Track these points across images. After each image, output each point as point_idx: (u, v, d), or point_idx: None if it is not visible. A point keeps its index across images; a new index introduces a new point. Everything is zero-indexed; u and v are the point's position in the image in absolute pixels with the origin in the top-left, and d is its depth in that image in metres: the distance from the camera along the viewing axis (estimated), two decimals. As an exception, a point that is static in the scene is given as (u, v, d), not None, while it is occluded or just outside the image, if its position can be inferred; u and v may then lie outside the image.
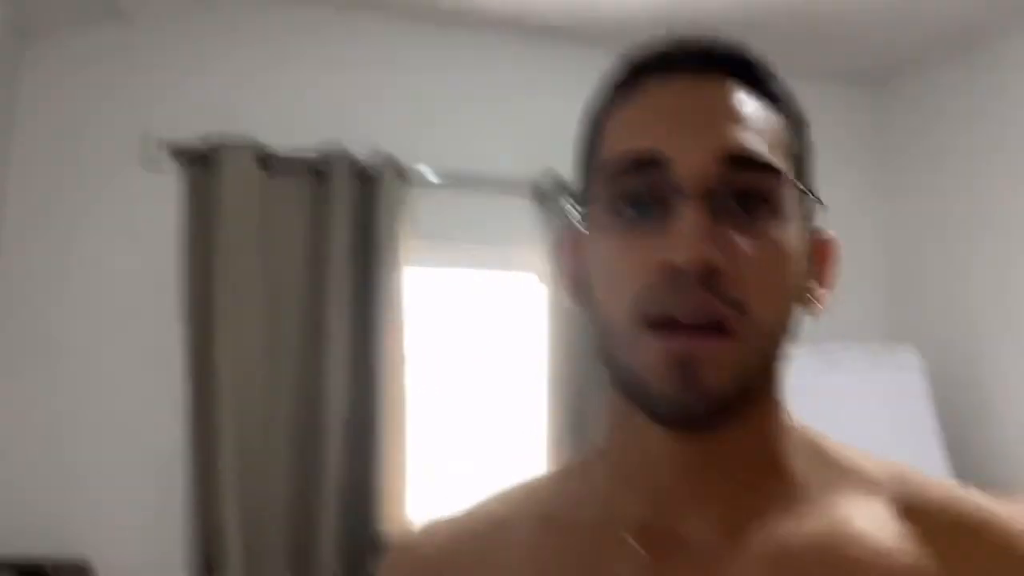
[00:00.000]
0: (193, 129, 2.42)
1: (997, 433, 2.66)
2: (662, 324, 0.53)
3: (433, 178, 2.65)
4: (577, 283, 0.63)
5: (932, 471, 1.92)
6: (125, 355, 2.36)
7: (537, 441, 2.65)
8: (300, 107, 2.60)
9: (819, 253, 0.61)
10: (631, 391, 0.56)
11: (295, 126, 2.54)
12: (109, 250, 2.38)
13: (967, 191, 2.79)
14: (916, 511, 0.57)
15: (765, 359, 0.57)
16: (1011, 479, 2.55)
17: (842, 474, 0.60)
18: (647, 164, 0.55)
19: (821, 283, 0.61)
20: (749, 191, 0.55)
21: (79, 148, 2.39)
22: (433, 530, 0.67)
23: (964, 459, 2.60)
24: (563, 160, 2.72)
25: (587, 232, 0.60)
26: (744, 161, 0.55)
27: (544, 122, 2.79)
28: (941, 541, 0.55)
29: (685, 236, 0.52)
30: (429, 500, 2.54)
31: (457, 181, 2.68)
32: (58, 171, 2.38)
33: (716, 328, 0.53)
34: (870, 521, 0.56)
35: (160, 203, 2.39)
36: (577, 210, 0.62)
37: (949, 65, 2.86)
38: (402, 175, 2.58)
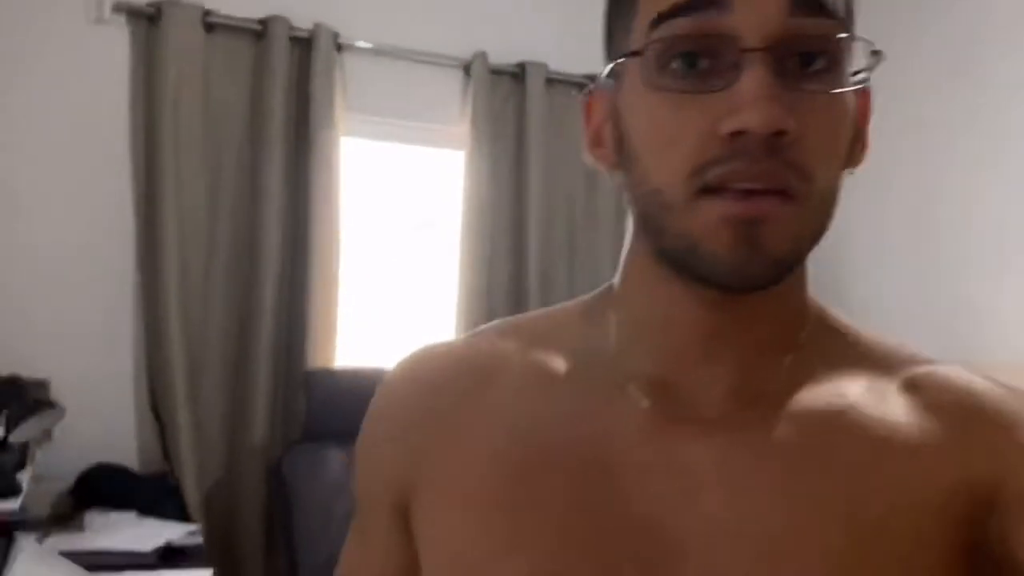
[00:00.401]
0: (140, -13, 2.52)
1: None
2: (724, 189, 0.49)
3: (368, 50, 2.82)
4: (607, 145, 0.58)
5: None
6: (77, 194, 2.52)
7: (449, 299, 2.94)
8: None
9: (859, 107, 0.57)
10: (686, 258, 0.52)
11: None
12: (60, 97, 2.50)
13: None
14: (922, 386, 0.57)
15: (822, 226, 0.53)
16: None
17: (853, 350, 0.59)
18: (704, 9, 0.49)
19: (859, 138, 0.57)
20: (814, 46, 0.50)
21: (29, 1, 2.48)
22: (433, 354, 0.65)
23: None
24: (494, 43, 2.91)
25: (625, 90, 0.54)
26: (813, 7, 0.50)
27: (478, 5, 2.98)
28: (943, 414, 0.55)
29: (755, 98, 0.48)
30: (354, 346, 2.83)
31: (391, 54, 2.85)
32: (9, 23, 2.46)
33: (780, 193, 0.49)
34: (877, 397, 0.56)
35: (109, 57, 2.51)
36: (611, 65, 0.56)
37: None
38: (339, 45, 2.74)
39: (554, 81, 3.06)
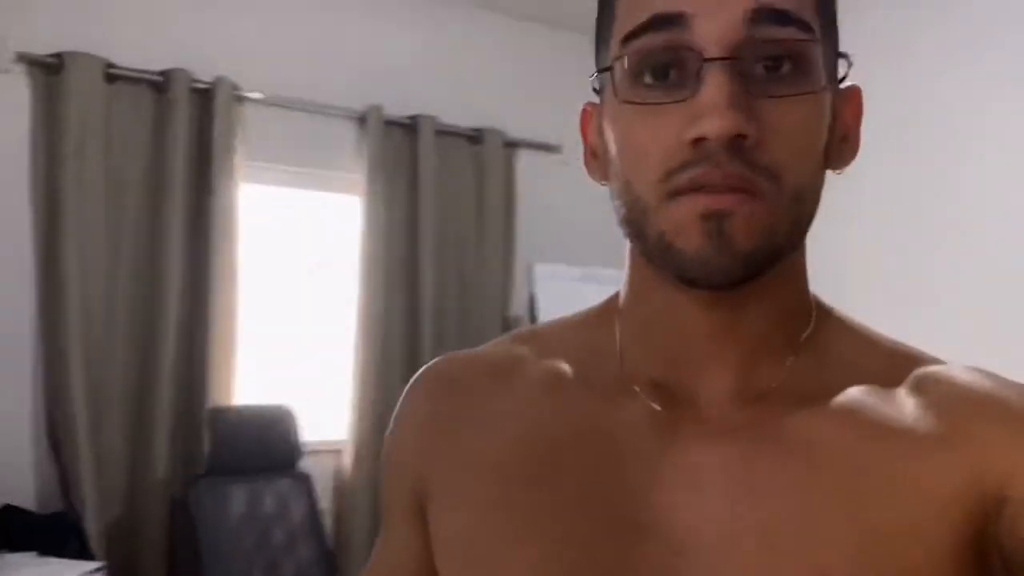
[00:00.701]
0: (45, 39, 2.61)
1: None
2: (693, 190, 0.51)
3: (268, 101, 2.97)
4: (598, 157, 0.60)
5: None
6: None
7: (347, 336, 3.09)
8: (147, 27, 2.83)
9: (844, 108, 0.58)
10: (662, 257, 0.54)
11: (141, 45, 2.78)
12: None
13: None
14: (929, 385, 0.56)
15: (796, 224, 0.54)
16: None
17: (859, 350, 0.59)
18: (668, 24, 0.52)
19: (846, 139, 0.59)
20: (778, 51, 0.52)
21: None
22: (450, 360, 0.67)
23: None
24: (388, 97, 3.11)
25: (606, 105, 0.57)
26: (773, 17, 0.51)
27: (374, 61, 3.18)
28: (951, 412, 0.54)
29: (713, 106, 0.50)
30: (254, 383, 2.93)
31: (290, 106, 3.02)
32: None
33: (748, 192, 0.51)
34: (883, 397, 0.56)
35: (10, 106, 2.58)
36: (597, 81, 0.59)
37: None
38: (238, 97, 2.89)
39: (443, 133, 3.29)
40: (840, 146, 0.58)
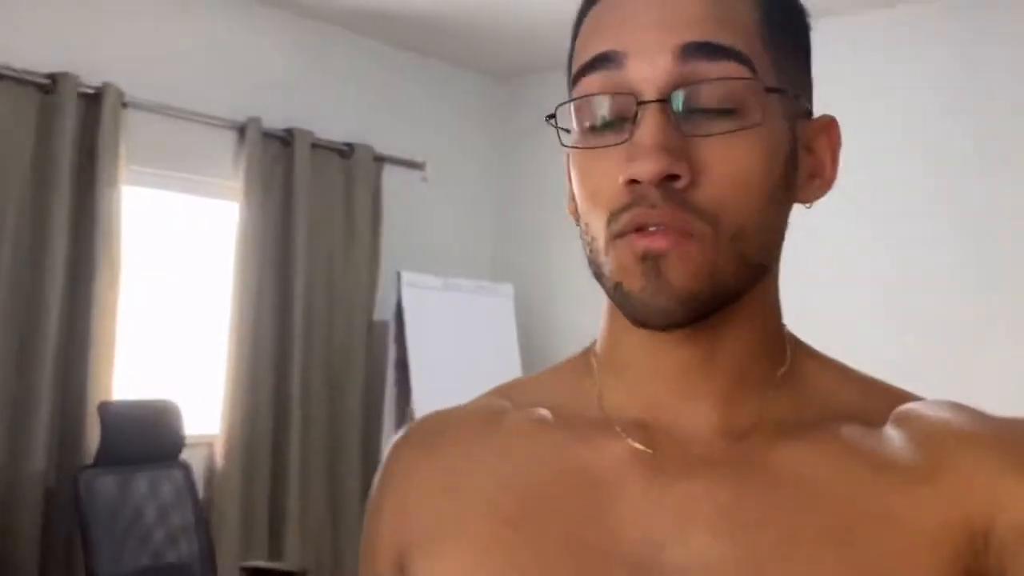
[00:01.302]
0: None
1: (563, 345, 3.84)
2: (631, 231, 0.52)
3: (152, 108, 3.09)
4: (574, 200, 0.60)
5: (512, 374, 2.91)
6: None
7: (222, 333, 3.27)
8: (33, 31, 2.88)
9: (815, 139, 0.58)
10: (614, 298, 0.55)
11: (29, 47, 2.84)
12: None
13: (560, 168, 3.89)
14: (912, 420, 0.56)
15: (743, 261, 0.53)
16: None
17: (837, 385, 0.59)
18: (605, 63, 0.53)
19: (816, 172, 0.58)
20: (712, 88, 0.51)
21: None
22: (437, 413, 0.67)
23: (537, 363, 3.73)
24: (266, 109, 3.31)
25: (569, 148, 0.58)
26: (705, 51, 0.51)
27: (255, 76, 3.37)
28: (935, 447, 0.54)
29: (643, 148, 0.50)
30: (135, 379, 3.06)
31: (173, 114, 3.15)
32: None
33: (681, 232, 0.51)
34: (866, 432, 0.56)
35: None
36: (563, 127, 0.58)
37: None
38: (124, 103, 2.99)
39: (317, 146, 3.53)
40: (808, 180, 0.58)
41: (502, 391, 0.67)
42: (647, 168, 0.50)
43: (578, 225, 0.59)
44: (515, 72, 4.04)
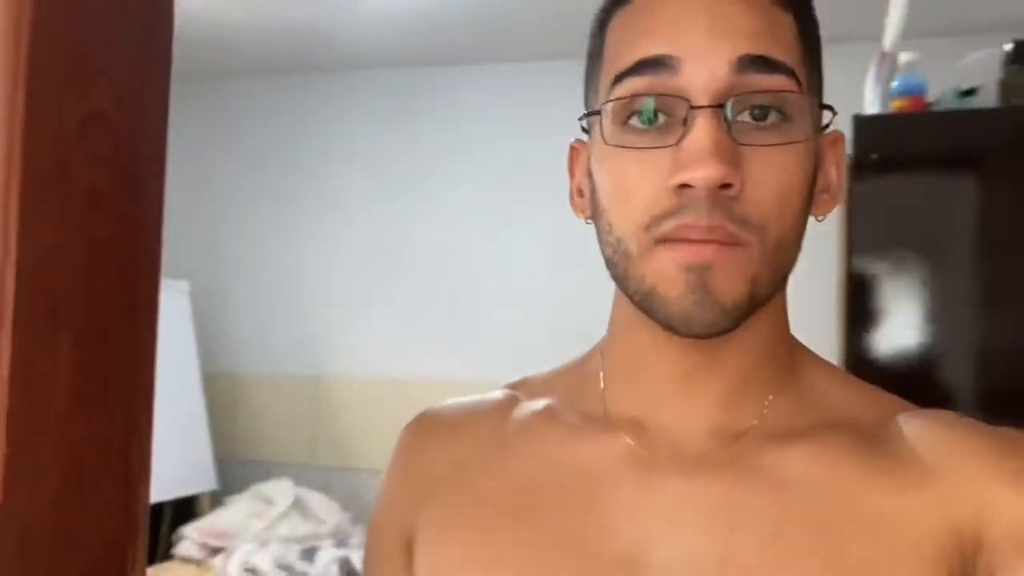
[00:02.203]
0: None
1: (242, 342, 3.89)
2: (676, 240, 0.51)
3: None
4: (584, 196, 0.60)
5: (190, 371, 2.90)
6: None
7: None
8: None
9: (827, 154, 0.59)
10: (644, 303, 0.54)
11: None
12: None
13: (245, 178, 3.96)
14: (907, 430, 0.56)
15: (779, 272, 0.54)
16: (242, 374, 3.78)
17: (837, 393, 0.60)
18: (655, 67, 0.52)
19: (826, 186, 0.59)
20: (764, 100, 0.52)
21: None
22: (448, 403, 0.70)
23: (217, 360, 3.76)
24: None
25: (594, 146, 0.57)
26: (760, 64, 0.51)
27: None
28: (928, 456, 0.54)
29: (699, 153, 0.50)
30: None
31: None
32: None
33: (730, 243, 0.51)
34: (861, 440, 0.56)
35: None
36: (585, 121, 0.59)
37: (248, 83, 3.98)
38: None
39: None
40: (821, 194, 0.59)
41: (515, 385, 0.69)
42: (705, 174, 0.50)
43: (587, 221, 0.60)
44: (194, 75, 4.06)
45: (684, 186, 0.51)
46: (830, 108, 0.56)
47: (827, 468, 0.55)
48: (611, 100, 0.55)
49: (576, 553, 0.55)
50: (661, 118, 0.53)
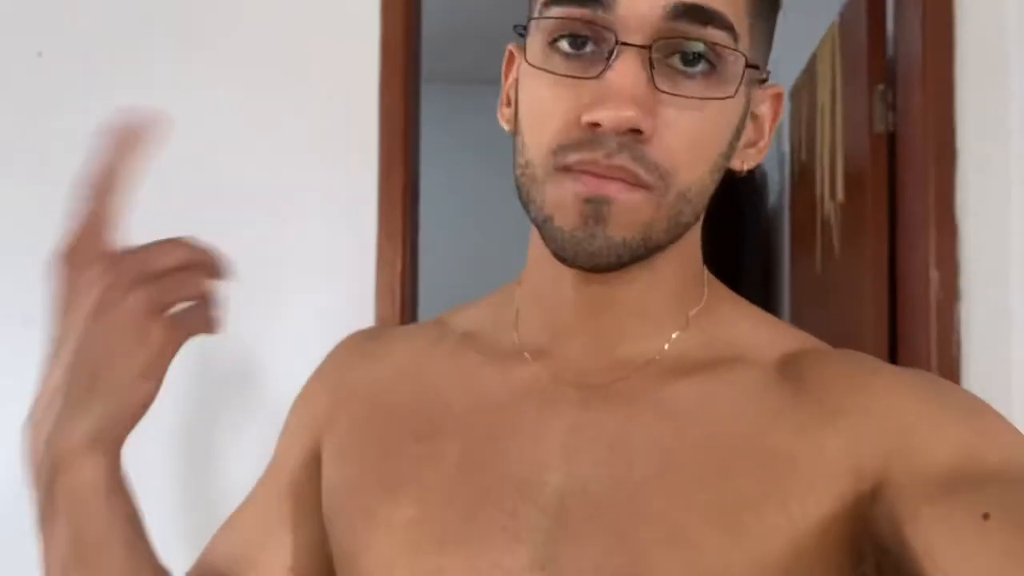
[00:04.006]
0: None
1: None
2: (579, 170, 0.51)
3: None
4: (510, 106, 0.60)
5: None
6: None
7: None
8: None
9: (762, 107, 0.58)
10: (542, 230, 0.54)
11: None
12: None
13: None
14: (810, 368, 0.56)
15: (676, 220, 0.53)
16: None
17: (745, 330, 0.60)
18: (589, 2, 0.50)
19: (754, 140, 0.59)
20: (693, 50, 0.51)
21: None
22: (379, 327, 0.73)
23: None
24: None
25: (523, 61, 0.55)
26: (695, 14, 0.50)
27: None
28: (829, 394, 0.54)
29: (614, 93, 0.49)
30: None
31: None
32: None
33: (632, 183, 0.50)
34: (764, 377, 0.56)
35: None
36: (521, 35, 0.56)
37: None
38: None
39: None
40: (747, 148, 0.58)
41: (444, 316, 0.70)
42: (615, 116, 0.49)
43: (511, 135, 0.58)
44: None
45: (595, 124, 0.50)
46: (755, 67, 0.54)
47: (726, 402, 0.55)
48: (540, 18, 0.53)
49: (476, 475, 0.56)
50: (589, 47, 0.52)
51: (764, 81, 0.57)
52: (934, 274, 1.41)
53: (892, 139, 1.57)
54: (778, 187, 2.52)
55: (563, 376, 0.59)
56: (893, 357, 1.54)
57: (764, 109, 0.59)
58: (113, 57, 1.50)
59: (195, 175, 1.40)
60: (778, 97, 0.60)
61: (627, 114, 0.49)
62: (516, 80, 0.59)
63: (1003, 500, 0.45)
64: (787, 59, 2.33)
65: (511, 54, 0.62)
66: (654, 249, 0.54)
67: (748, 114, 0.57)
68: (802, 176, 2.16)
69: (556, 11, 0.52)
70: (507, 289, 0.68)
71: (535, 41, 0.54)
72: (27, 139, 1.49)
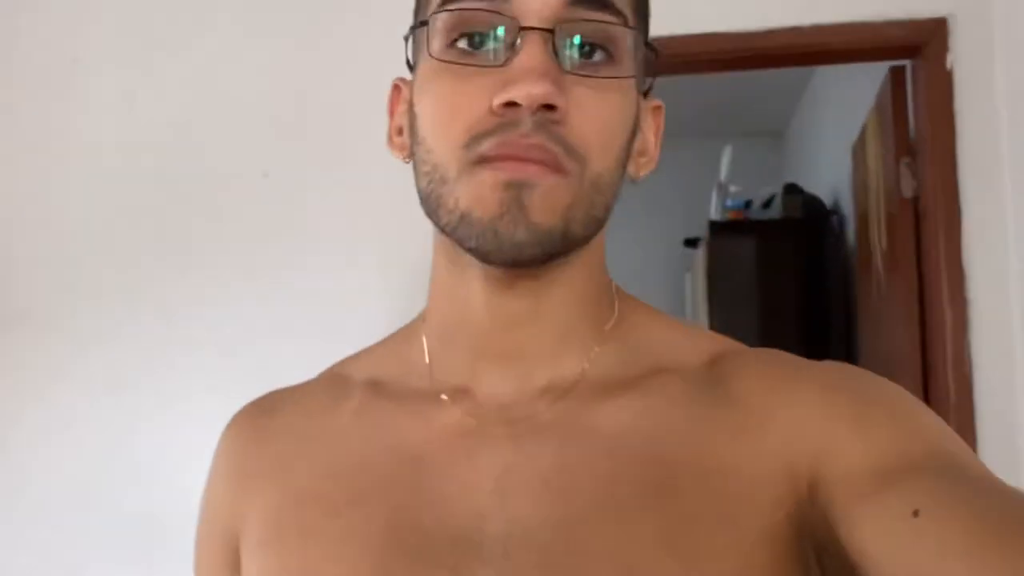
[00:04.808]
0: None
1: None
2: (497, 158, 0.50)
3: None
4: (402, 134, 0.59)
5: None
6: None
7: None
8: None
9: (646, 120, 0.60)
10: (458, 231, 0.52)
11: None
12: None
13: None
14: (734, 371, 0.55)
15: (591, 212, 0.53)
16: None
17: (662, 339, 0.59)
18: None
19: (643, 149, 0.60)
20: (591, 34, 0.52)
21: None
22: (270, 394, 0.66)
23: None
24: None
25: (418, 72, 0.55)
26: (591, 2, 0.52)
27: None
28: (756, 397, 0.53)
29: (526, 71, 0.49)
30: None
31: None
32: None
33: (551, 166, 0.50)
34: (689, 386, 0.55)
35: None
36: (411, 48, 0.57)
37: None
38: None
39: None
40: (640, 156, 0.59)
41: (342, 364, 0.66)
42: (530, 91, 0.49)
43: (406, 160, 0.58)
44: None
45: (509, 105, 0.50)
46: (653, 48, 0.56)
47: (656, 419, 0.54)
48: (439, 11, 0.53)
49: (410, 538, 0.53)
50: (490, 42, 0.52)
51: (647, 94, 0.59)
52: (947, 310, 1.80)
53: (916, 202, 1.96)
54: (852, 230, 2.91)
55: (487, 414, 0.56)
56: (925, 373, 1.93)
57: (648, 119, 0.60)
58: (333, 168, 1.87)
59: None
60: (658, 109, 0.61)
61: (541, 88, 0.49)
62: (408, 104, 0.59)
63: (932, 494, 0.44)
64: (851, 119, 2.73)
65: (396, 87, 0.62)
66: (571, 244, 0.53)
67: (638, 120, 0.58)
68: (862, 223, 2.54)
69: (454, 13, 0.53)
70: (408, 329, 0.65)
71: (434, 44, 0.54)
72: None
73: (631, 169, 0.58)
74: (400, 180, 0.71)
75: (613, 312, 0.61)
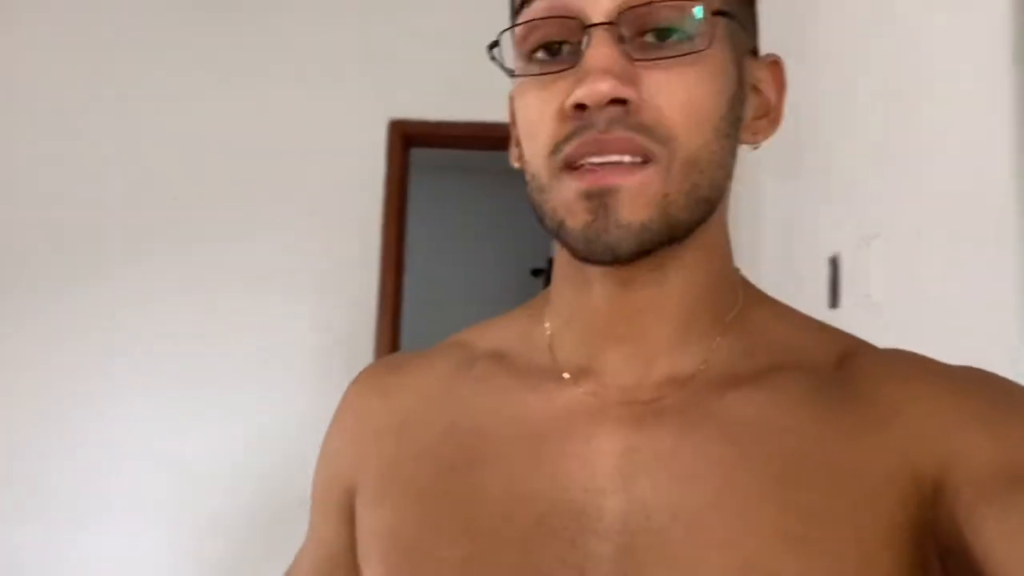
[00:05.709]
0: None
1: None
2: (579, 166, 0.51)
3: None
4: (518, 144, 0.59)
5: None
6: None
7: None
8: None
9: (762, 78, 0.58)
10: (559, 237, 0.53)
11: None
12: None
13: None
14: (862, 369, 0.55)
15: (694, 194, 0.52)
16: None
17: (788, 332, 0.58)
18: None
19: (763, 111, 0.58)
20: (658, 20, 0.52)
21: None
22: (395, 356, 0.69)
23: None
24: None
25: (513, 88, 0.57)
26: None
27: None
28: (884, 396, 0.53)
29: (588, 70, 0.50)
30: None
31: None
32: None
33: (636, 154, 0.50)
34: (815, 381, 0.55)
35: None
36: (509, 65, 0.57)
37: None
38: None
39: None
40: (755, 119, 0.58)
41: (466, 333, 0.67)
42: (595, 90, 0.49)
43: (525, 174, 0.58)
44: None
45: (579, 107, 0.51)
46: (725, 14, 0.54)
47: (780, 413, 0.54)
48: (515, 25, 0.55)
49: (527, 506, 0.54)
50: (565, 49, 0.53)
51: (756, 52, 0.59)
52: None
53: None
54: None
55: (609, 395, 0.57)
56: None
57: (764, 76, 0.59)
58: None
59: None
60: (776, 64, 0.60)
61: (604, 85, 0.49)
62: (513, 118, 0.59)
63: None
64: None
65: (512, 100, 0.61)
66: (676, 230, 0.52)
67: (746, 84, 0.57)
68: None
69: (526, 13, 0.54)
70: (532, 305, 0.66)
71: (515, 56, 0.55)
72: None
73: (746, 136, 0.58)
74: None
75: (737, 301, 0.60)
